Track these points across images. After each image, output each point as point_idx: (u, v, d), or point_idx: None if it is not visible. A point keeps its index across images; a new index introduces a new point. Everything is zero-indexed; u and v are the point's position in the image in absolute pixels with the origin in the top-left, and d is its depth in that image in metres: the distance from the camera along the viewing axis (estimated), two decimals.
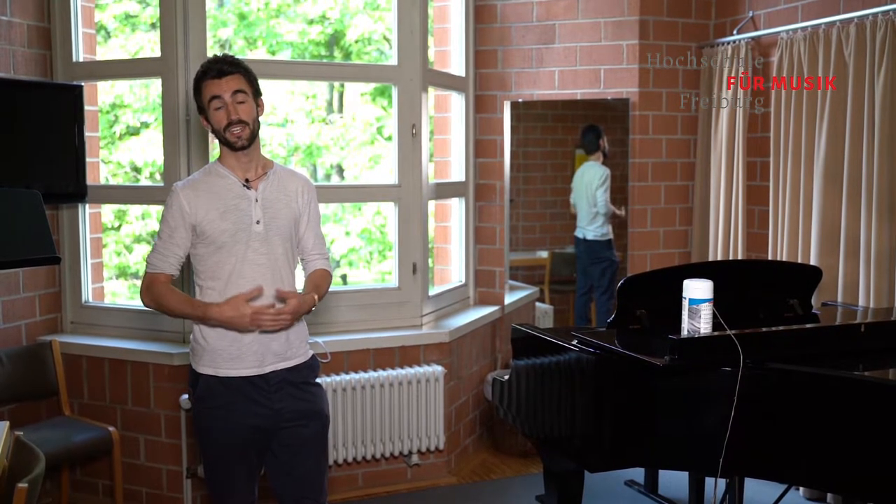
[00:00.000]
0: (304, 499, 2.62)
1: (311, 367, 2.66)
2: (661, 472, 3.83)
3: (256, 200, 2.52)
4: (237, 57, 2.55)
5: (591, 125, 4.70)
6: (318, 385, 2.68)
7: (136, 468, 3.73)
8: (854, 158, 3.60)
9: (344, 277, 8.31)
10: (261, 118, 2.56)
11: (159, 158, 6.30)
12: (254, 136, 2.51)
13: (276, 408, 2.54)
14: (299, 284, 2.69)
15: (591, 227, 4.74)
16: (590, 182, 4.72)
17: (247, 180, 2.53)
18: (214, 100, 2.46)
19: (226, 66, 2.48)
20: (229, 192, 2.51)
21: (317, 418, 2.62)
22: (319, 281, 2.65)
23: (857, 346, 2.64)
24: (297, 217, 2.62)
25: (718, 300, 2.52)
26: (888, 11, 3.40)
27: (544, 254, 4.99)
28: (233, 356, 2.50)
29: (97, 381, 3.78)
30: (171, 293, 2.52)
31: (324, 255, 2.70)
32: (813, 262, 3.72)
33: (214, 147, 3.68)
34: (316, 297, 2.57)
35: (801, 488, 3.78)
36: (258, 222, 2.51)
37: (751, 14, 4.23)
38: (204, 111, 2.51)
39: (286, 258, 2.58)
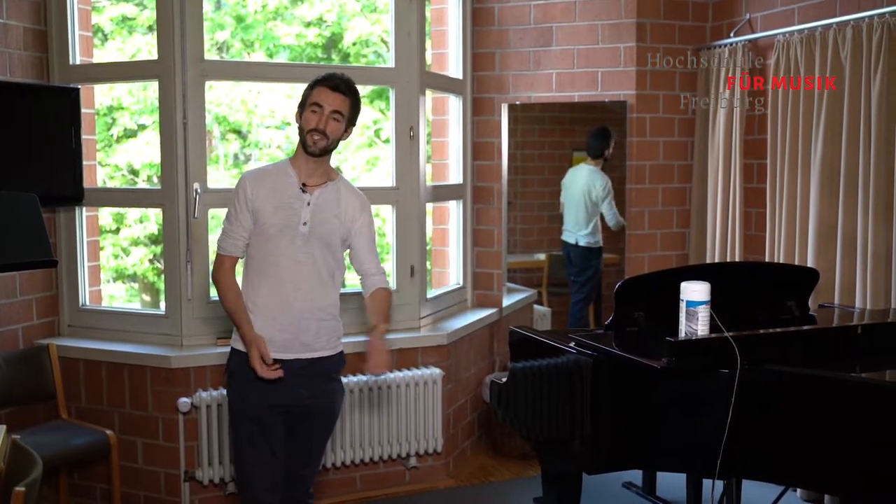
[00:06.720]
0: (301, 468, 2.81)
1: (335, 361, 2.81)
2: (658, 473, 3.83)
3: (308, 204, 2.70)
4: (351, 84, 2.73)
5: (602, 127, 4.62)
6: (339, 381, 2.84)
7: (134, 472, 3.73)
8: (850, 160, 3.61)
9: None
10: (342, 141, 2.75)
11: (157, 161, 6.30)
12: (327, 151, 2.72)
13: (292, 391, 2.70)
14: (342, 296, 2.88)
15: (584, 234, 4.72)
16: (587, 188, 4.69)
17: (304, 184, 2.71)
18: (315, 105, 2.68)
19: (342, 85, 2.70)
20: (288, 191, 2.71)
21: (328, 413, 2.81)
22: (383, 306, 2.80)
23: (855, 348, 2.65)
24: (345, 231, 2.77)
25: (716, 302, 2.52)
26: (884, 14, 3.41)
27: (542, 256, 4.99)
28: (265, 338, 2.66)
29: (94, 384, 3.77)
30: (232, 291, 2.72)
31: (381, 271, 2.88)
32: (810, 263, 3.73)
33: (213, 150, 3.68)
34: (384, 327, 2.73)
35: (799, 490, 3.78)
36: (304, 224, 2.69)
37: (747, 17, 4.24)
38: (303, 108, 2.72)
39: (325, 265, 2.73)
